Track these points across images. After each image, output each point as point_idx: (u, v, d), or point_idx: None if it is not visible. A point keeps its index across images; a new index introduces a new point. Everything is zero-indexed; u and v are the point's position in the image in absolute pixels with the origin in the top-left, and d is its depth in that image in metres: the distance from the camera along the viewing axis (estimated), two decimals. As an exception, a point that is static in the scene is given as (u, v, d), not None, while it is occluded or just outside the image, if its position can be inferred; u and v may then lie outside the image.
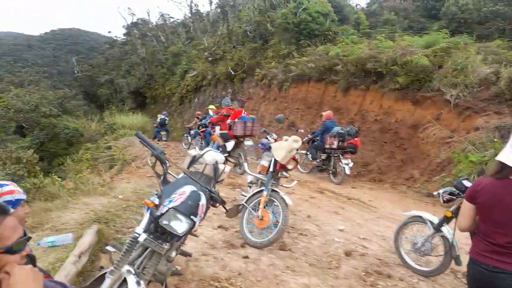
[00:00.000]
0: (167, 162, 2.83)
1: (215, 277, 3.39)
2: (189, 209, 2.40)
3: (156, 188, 6.19)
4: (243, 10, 22.54)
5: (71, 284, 2.33)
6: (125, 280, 2.24)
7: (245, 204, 4.45)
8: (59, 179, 6.35)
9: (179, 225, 2.39)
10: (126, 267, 2.28)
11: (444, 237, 3.46)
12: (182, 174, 3.26)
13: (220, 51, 20.05)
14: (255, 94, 16.02)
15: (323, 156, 8.80)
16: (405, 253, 3.88)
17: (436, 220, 3.52)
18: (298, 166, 8.34)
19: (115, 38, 51.82)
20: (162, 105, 26.05)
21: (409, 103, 9.20)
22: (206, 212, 2.79)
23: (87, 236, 3.56)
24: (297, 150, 4.64)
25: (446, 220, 3.40)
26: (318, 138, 8.95)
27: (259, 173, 5.26)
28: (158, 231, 2.45)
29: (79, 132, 17.41)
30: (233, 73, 17.49)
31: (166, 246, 2.48)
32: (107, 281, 2.21)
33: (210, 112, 11.71)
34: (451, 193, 3.27)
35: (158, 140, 15.35)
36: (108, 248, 2.73)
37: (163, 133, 15.65)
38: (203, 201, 2.56)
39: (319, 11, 15.04)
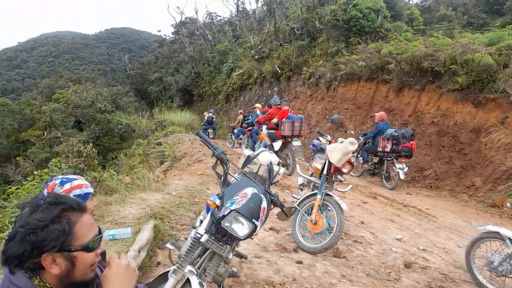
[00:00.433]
0: (228, 162, 2.80)
1: (269, 281, 3.34)
2: (251, 212, 2.35)
3: (207, 186, 6.30)
4: (290, 7, 22.32)
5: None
6: (188, 281, 2.25)
7: (297, 207, 4.36)
8: (116, 174, 6.60)
9: (241, 228, 2.35)
10: (189, 268, 2.28)
11: None
12: (237, 175, 3.23)
13: (266, 49, 20.01)
14: (302, 93, 15.81)
15: (375, 160, 8.47)
16: (478, 272, 3.56)
17: None
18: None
19: (164, 36, 53.57)
20: (209, 103, 26.53)
21: (470, 105, 8.60)
22: (267, 215, 2.74)
23: (145, 231, 3.64)
24: (353, 153, 4.47)
25: None
26: (370, 140, 8.63)
27: (311, 175, 5.14)
28: (219, 232, 2.43)
29: (131, 128, 18.15)
30: (279, 71, 17.39)
31: (226, 248, 2.46)
32: (171, 281, 2.22)
33: (258, 112, 11.69)
34: None
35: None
36: (168, 245, 2.76)
37: (210, 130, 15.92)
38: (264, 204, 2.50)
39: (370, 7, 14.51)
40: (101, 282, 1.26)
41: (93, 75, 43.92)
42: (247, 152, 3.54)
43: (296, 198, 5.03)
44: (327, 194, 4.26)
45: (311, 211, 4.25)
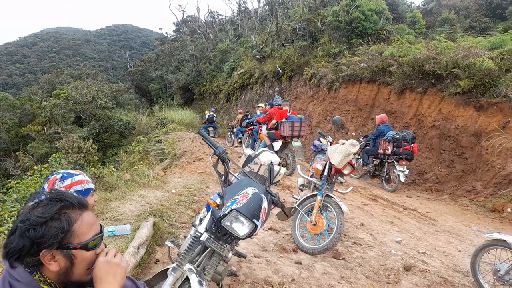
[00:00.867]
0: (229, 161, 2.79)
1: (268, 281, 3.33)
2: (252, 212, 2.34)
3: (207, 184, 6.28)
4: (292, 7, 22.30)
5: (131, 276, 2.37)
6: (187, 279, 2.24)
7: (297, 208, 4.35)
8: (115, 170, 6.59)
9: (241, 227, 2.34)
10: (188, 266, 2.28)
11: None
12: (238, 174, 3.22)
13: (268, 49, 19.99)
14: (303, 94, 15.80)
15: (376, 162, 8.45)
16: (483, 280, 3.51)
17: None
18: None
19: (165, 34, 53.64)
20: (209, 102, 26.52)
21: (472, 109, 8.58)
22: (267, 215, 2.72)
23: (144, 228, 3.63)
24: (354, 154, 4.46)
25: None
26: (371, 142, 8.61)
27: (312, 176, 5.13)
28: (219, 231, 2.41)
29: (131, 125, 18.14)
30: (281, 71, 17.38)
31: (226, 247, 2.45)
32: (170, 278, 2.21)
33: (258, 112, 11.68)
34: None
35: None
36: (167, 243, 2.75)
37: (210, 129, 15.91)
38: (265, 204, 2.49)
39: (373, 9, 14.49)
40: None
41: (94, 72, 43.89)
42: (248, 151, 3.53)
43: (296, 199, 5.02)
44: (327, 195, 4.25)
45: (311, 212, 4.24)
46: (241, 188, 2.57)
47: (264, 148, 3.76)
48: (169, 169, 8.11)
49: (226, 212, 2.31)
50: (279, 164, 3.41)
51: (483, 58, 8.54)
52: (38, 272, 1.15)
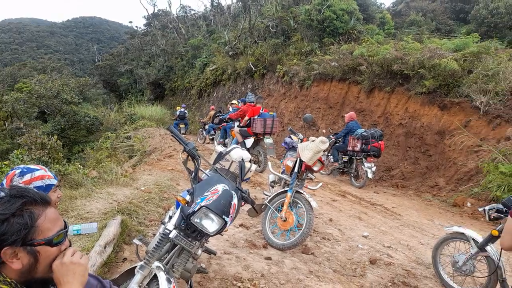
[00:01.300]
0: (199, 158, 2.76)
1: (238, 277, 3.34)
2: (222, 209, 2.34)
3: (177, 182, 6.20)
4: (266, 5, 22.34)
5: (97, 275, 2.31)
6: (155, 276, 2.21)
7: (268, 204, 4.38)
8: (81, 167, 6.38)
9: (211, 224, 2.33)
10: (157, 263, 2.25)
11: (488, 258, 3.21)
12: (209, 171, 3.20)
13: (241, 45, 19.97)
14: (275, 91, 15.90)
15: (345, 158, 8.63)
16: (443, 271, 3.68)
17: (480, 239, 3.27)
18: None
19: (135, 28, 52.39)
20: (181, 98, 26.18)
21: (436, 108, 8.94)
22: (237, 212, 2.72)
23: (111, 226, 3.54)
24: (324, 151, 4.54)
25: (491, 239, 3.14)
26: (340, 139, 8.78)
27: (283, 173, 5.18)
28: (188, 228, 2.40)
29: (99, 120, 17.60)
30: (253, 68, 17.40)
31: (196, 244, 2.44)
32: (138, 276, 2.18)
33: (230, 108, 11.66)
34: (498, 211, 2.98)
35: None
36: (135, 241, 2.69)
37: (181, 126, 15.71)
38: (235, 200, 2.50)
39: (344, 9, 14.76)
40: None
41: (59, 65, 42.22)
42: (219, 148, 3.52)
43: (267, 195, 5.06)
44: (297, 192, 4.30)
45: (281, 208, 4.28)
46: (211, 185, 2.57)
47: (235, 145, 3.76)
48: (138, 166, 7.95)
49: (196, 209, 2.29)
50: (250, 161, 3.42)
51: (448, 60, 8.89)
52: None
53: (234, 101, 12.69)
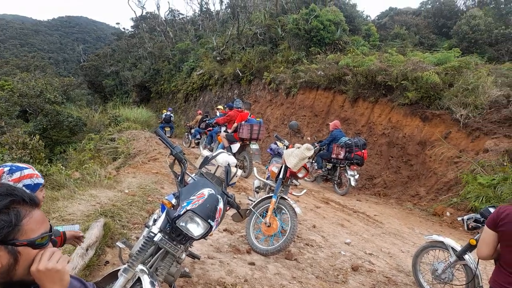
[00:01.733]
0: (186, 162, 2.78)
1: (221, 282, 3.34)
2: (207, 213, 2.35)
3: (162, 185, 6.17)
4: (254, 12, 22.54)
5: (80, 277, 2.29)
6: (138, 280, 2.20)
7: (252, 209, 4.40)
8: (64, 168, 6.28)
9: (196, 228, 2.34)
10: (140, 267, 2.24)
11: (466, 266, 3.30)
12: (195, 175, 3.21)
13: (228, 51, 20.04)
14: (261, 98, 15.99)
15: (329, 166, 8.75)
16: (423, 279, 3.76)
17: (458, 247, 3.35)
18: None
19: (123, 30, 51.89)
20: (167, 101, 26.02)
21: (418, 119, 9.17)
22: (223, 216, 2.74)
23: (94, 229, 3.50)
24: (309, 158, 4.60)
25: (469, 248, 3.22)
26: (325, 147, 8.90)
27: (268, 178, 5.21)
28: (174, 232, 2.40)
29: (83, 121, 17.28)
30: (240, 74, 17.47)
31: (180, 248, 2.44)
32: (121, 280, 2.16)
33: (218, 113, 11.68)
34: (476, 220, 3.08)
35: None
36: (118, 244, 2.68)
37: (167, 129, 15.60)
38: (221, 205, 2.51)
39: (331, 19, 15.04)
40: None
41: (43, 64, 41.35)
42: (206, 152, 3.53)
43: (251, 201, 5.08)
44: (282, 198, 4.34)
45: (265, 213, 4.31)
46: (197, 189, 2.58)
47: (221, 150, 3.78)
48: (122, 168, 7.86)
49: (182, 213, 2.30)
50: (236, 166, 3.44)
51: (430, 73, 9.15)
52: None
53: (220, 106, 12.72)
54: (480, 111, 8.21)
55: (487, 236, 2.13)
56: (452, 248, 3.39)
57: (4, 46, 73.14)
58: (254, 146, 8.30)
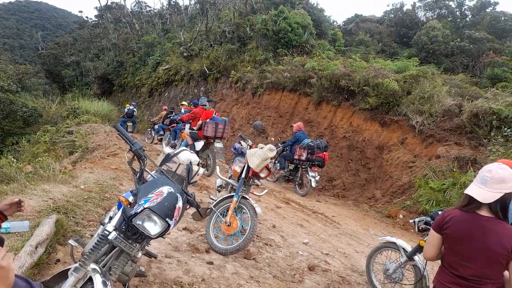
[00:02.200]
0: (145, 159, 2.72)
1: (178, 281, 3.30)
2: (165, 211, 2.32)
3: (121, 182, 6.00)
4: (224, 10, 22.44)
5: (26, 276, 2.18)
6: (90, 279, 2.13)
7: (213, 208, 4.39)
8: (15, 161, 5.94)
9: (153, 227, 2.31)
10: (93, 266, 2.17)
11: (416, 267, 3.44)
12: (154, 172, 3.16)
13: (196, 47, 19.81)
14: (228, 96, 15.95)
15: (291, 167, 8.89)
16: (375, 278, 3.90)
17: (409, 248, 3.50)
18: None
19: (86, 18, 49.80)
20: (130, 95, 25.31)
21: (377, 124, 9.53)
22: (181, 215, 2.71)
23: (45, 225, 3.35)
24: (271, 159, 4.65)
25: (419, 249, 3.34)
26: (288, 148, 9.02)
27: (230, 178, 5.22)
28: (129, 230, 2.35)
29: (38, 112, 16.41)
30: (207, 71, 17.33)
31: (136, 247, 2.40)
32: (71, 279, 2.08)
33: (182, 109, 11.51)
34: (426, 223, 3.24)
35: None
36: (70, 242, 2.57)
37: (129, 124, 15.19)
38: (179, 203, 2.49)
39: (299, 22, 15.28)
40: None
41: (-4, 49, 38.82)
42: (167, 150, 3.47)
43: (213, 199, 5.05)
44: (243, 197, 4.36)
45: (226, 213, 4.31)
46: (156, 186, 2.54)
47: (184, 147, 3.73)
48: (80, 163, 7.55)
49: (139, 211, 2.26)
50: (198, 164, 3.41)
51: (390, 80, 9.54)
52: None
53: (184, 102, 12.55)
54: (434, 118, 8.67)
55: (433, 238, 2.25)
56: (403, 249, 3.55)
57: (-48, 27, 67.98)
58: (218, 144, 8.26)
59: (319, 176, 8.37)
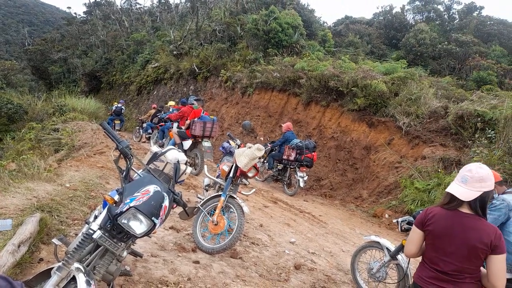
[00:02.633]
0: (132, 157, 2.70)
1: (163, 281, 3.29)
2: (151, 210, 2.32)
3: (107, 180, 5.94)
4: (214, 9, 22.36)
5: (7, 276, 2.15)
6: (73, 278, 2.11)
7: (200, 207, 4.38)
8: (-2, 158, 5.83)
9: (139, 226, 2.31)
10: (76, 265, 2.15)
11: (399, 266, 3.50)
12: (141, 171, 3.14)
13: (186, 46, 19.70)
14: (217, 95, 15.91)
15: (280, 167, 8.92)
16: (360, 277, 3.95)
17: (392, 248, 3.55)
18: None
19: (74, 15, 49.02)
20: (119, 93, 25.04)
21: (365, 125, 9.63)
22: (168, 214, 2.70)
23: (28, 224, 3.30)
24: (259, 158, 4.66)
25: (402, 248, 3.39)
26: (276, 148, 9.05)
27: (218, 177, 5.21)
28: (114, 229, 2.34)
29: (24, 109, 16.11)
30: (197, 70, 17.26)
31: (121, 246, 2.38)
32: (54, 278, 2.06)
33: (171, 109, 11.45)
34: (409, 223, 3.29)
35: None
36: (54, 241, 2.55)
37: (117, 122, 15.02)
38: (166, 202, 2.49)
39: (289, 23, 15.33)
40: None
41: (-19, 44, 38.00)
42: (155, 148, 3.46)
43: (200, 199, 5.04)
44: (231, 197, 4.36)
45: (213, 212, 4.30)
46: (142, 185, 2.53)
47: (171, 146, 3.72)
48: (65, 161, 7.45)
49: (124, 210, 2.25)
50: (186, 163, 3.40)
51: (378, 81, 9.65)
52: None
53: (172, 102, 12.49)
54: (421, 120, 8.80)
55: (415, 235, 2.32)
56: (387, 248, 3.60)
57: None
58: (206, 143, 8.23)
59: (307, 176, 8.42)
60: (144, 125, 13.52)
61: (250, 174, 4.73)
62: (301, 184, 8.16)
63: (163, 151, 3.35)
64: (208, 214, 4.35)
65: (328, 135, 10.50)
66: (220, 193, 4.45)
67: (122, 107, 15.79)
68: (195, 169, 8.10)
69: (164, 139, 9.97)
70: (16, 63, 30.63)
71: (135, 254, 3.08)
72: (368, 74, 10.17)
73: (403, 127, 8.73)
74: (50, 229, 3.59)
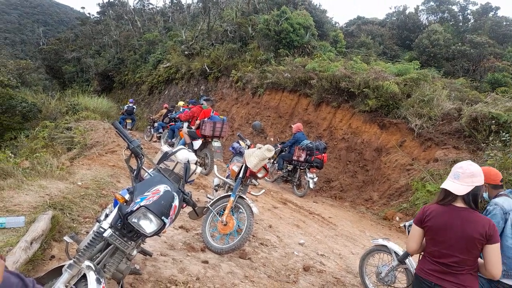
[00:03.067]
0: (143, 157, 2.72)
1: (172, 280, 3.31)
2: (161, 210, 2.32)
3: (118, 179, 6.00)
4: (226, 9, 22.43)
5: (19, 272, 2.17)
6: (84, 276, 2.13)
7: (210, 207, 4.38)
8: (12, 156, 5.94)
9: (149, 225, 2.31)
10: (87, 263, 2.17)
11: (407, 270, 3.46)
12: (152, 170, 3.16)
13: (197, 46, 19.81)
14: (228, 95, 15.95)
15: (290, 167, 8.89)
16: (369, 280, 3.91)
17: (401, 252, 3.51)
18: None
19: (88, 15, 49.75)
20: (130, 92, 25.29)
21: (376, 126, 9.54)
22: (178, 214, 2.71)
23: (40, 221, 3.35)
24: (269, 159, 4.65)
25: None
26: (287, 149, 9.02)
27: (228, 177, 5.22)
28: (125, 228, 2.35)
29: (38, 107, 16.37)
30: (208, 70, 17.33)
31: (131, 244, 2.39)
32: (65, 276, 2.09)
33: (181, 108, 11.52)
34: None
35: (121, 129, 14.85)
36: (66, 238, 2.58)
37: (128, 121, 15.18)
38: (176, 202, 2.49)
39: (301, 23, 15.28)
40: None
41: (-3, 43, 38.80)
42: (165, 148, 3.47)
43: (210, 198, 5.06)
44: (240, 197, 4.36)
45: (223, 212, 4.31)
46: (152, 184, 2.54)
47: (182, 146, 3.73)
48: (77, 159, 7.54)
49: (134, 209, 2.26)
50: (196, 163, 3.42)
51: (390, 82, 9.55)
52: None
53: (181, 102, 12.57)
54: (433, 122, 8.68)
55: (415, 232, 2.47)
56: (395, 252, 3.56)
57: (-46, 21, 67.93)
58: (216, 143, 8.26)
59: (317, 178, 8.37)
60: (156, 124, 13.63)
61: (259, 175, 4.73)
62: (311, 186, 8.12)
63: (173, 150, 3.37)
64: (217, 214, 4.35)
65: (339, 136, 10.43)
66: (229, 193, 4.46)
67: (134, 106, 15.95)
68: (205, 169, 8.12)
69: (174, 139, 10.04)
70: (31, 62, 31.16)
71: (144, 253, 3.09)
72: (380, 75, 10.08)
73: (415, 129, 8.62)
74: (61, 226, 3.63)
